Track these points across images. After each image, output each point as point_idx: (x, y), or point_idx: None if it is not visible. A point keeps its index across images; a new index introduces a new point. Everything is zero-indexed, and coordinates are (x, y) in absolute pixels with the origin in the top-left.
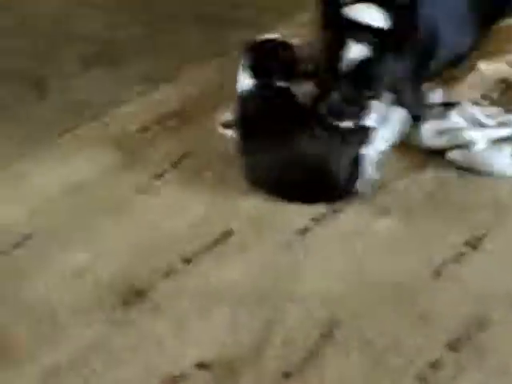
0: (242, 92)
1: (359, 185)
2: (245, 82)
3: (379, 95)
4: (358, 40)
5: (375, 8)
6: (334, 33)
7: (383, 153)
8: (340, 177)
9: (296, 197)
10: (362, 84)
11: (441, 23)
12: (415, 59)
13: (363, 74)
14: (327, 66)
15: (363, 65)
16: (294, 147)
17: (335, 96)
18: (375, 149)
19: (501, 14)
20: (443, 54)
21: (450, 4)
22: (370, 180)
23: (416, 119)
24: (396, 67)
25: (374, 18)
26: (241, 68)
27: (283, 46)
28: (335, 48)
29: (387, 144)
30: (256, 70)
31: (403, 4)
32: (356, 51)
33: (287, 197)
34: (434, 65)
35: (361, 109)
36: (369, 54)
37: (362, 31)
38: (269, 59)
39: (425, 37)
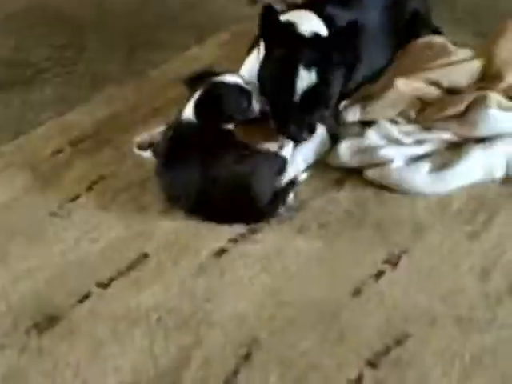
0: (182, 120)
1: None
2: (189, 113)
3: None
4: (307, 63)
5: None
6: (282, 58)
7: (302, 173)
8: (263, 197)
9: (218, 217)
10: (313, 107)
11: (361, 44)
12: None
13: (314, 97)
14: (280, 97)
15: (313, 90)
16: (217, 167)
17: (293, 125)
18: (296, 169)
19: (417, 32)
20: (362, 71)
21: (367, 22)
22: (290, 200)
23: (333, 138)
24: (340, 84)
25: (316, 26)
26: (192, 100)
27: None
28: (287, 78)
29: (306, 164)
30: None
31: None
32: (306, 78)
33: (209, 217)
34: (353, 83)
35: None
36: (317, 79)
37: (309, 49)
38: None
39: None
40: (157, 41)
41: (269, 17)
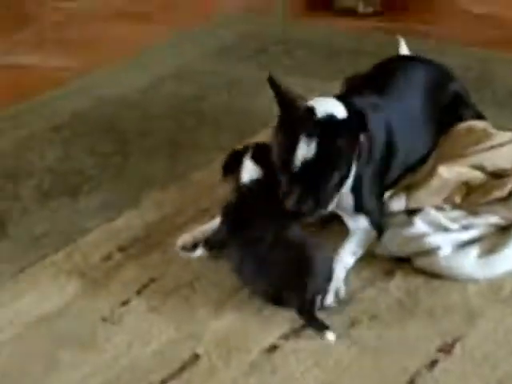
0: (242, 184)
1: (328, 299)
2: (248, 174)
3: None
4: (309, 134)
5: (334, 102)
6: (287, 128)
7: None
8: (315, 285)
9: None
10: (313, 182)
11: (398, 132)
12: (374, 167)
13: (312, 171)
14: (280, 164)
15: (312, 163)
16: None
17: (291, 195)
18: (344, 264)
19: (459, 114)
20: (402, 161)
21: (406, 113)
22: (339, 294)
23: (379, 229)
24: (345, 167)
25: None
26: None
27: None
28: (288, 145)
29: (355, 257)
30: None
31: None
32: (305, 148)
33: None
34: (393, 172)
35: (317, 205)
36: (316, 152)
37: (315, 125)
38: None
39: (383, 146)
40: (198, 143)
41: (275, 86)
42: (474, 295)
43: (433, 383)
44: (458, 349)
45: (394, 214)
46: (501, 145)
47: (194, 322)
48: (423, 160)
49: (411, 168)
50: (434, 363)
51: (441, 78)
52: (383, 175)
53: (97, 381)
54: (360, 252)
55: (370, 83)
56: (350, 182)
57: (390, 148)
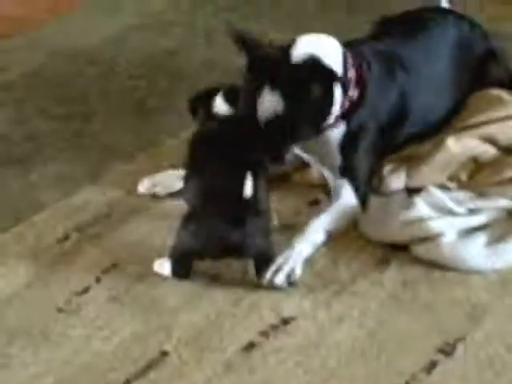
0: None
1: (278, 278)
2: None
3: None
4: (274, 87)
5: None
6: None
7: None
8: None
9: None
10: (278, 135)
11: (415, 93)
12: (376, 129)
13: (278, 125)
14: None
15: (277, 117)
16: None
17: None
18: (312, 241)
19: (490, 73)
20: (412, 125)
21: (430, 74)
22: (295, 274)
23: (362, 200)
24: (315, 119)
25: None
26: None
27: None
28: (251, 97)
29: (328, 234)
30: None
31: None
32: (269, 101)
33: None
34: (400, 137)
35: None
36: (281, 106)
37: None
38: None
39: (392, 107)
40: (172, 106)
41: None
42: (480, 289)
43: None
44: (459, 350)
45: (391, 193)
46: None
47: (162, 314)
48: (439, 127)
49: (423, 134)
50: (432, 366)
51: (475, 36)
52: (388, 141)
53: (50, 380)
54: (333, 228)
55: (396, 31)
56: (335, 139)
57: (401, 112)
